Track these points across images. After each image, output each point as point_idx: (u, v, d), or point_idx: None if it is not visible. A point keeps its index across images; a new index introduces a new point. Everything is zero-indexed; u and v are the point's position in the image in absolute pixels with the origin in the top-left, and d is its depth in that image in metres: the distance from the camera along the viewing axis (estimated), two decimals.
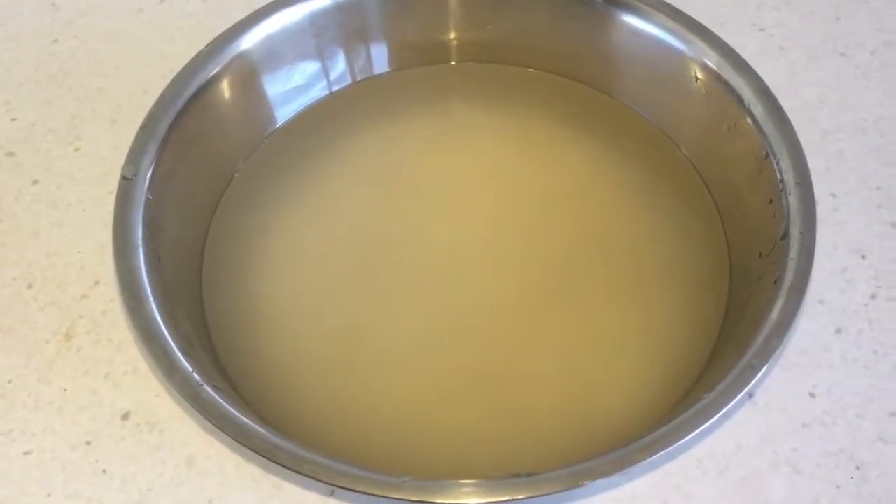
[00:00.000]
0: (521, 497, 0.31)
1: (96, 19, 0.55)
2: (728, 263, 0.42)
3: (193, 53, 0.44)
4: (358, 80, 0.49)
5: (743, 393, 0.33)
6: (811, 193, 0.39)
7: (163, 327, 0.36)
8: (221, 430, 0.33)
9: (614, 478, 0.32)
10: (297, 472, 0.32)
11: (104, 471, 0.39)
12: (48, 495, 0.39)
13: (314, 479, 0.32)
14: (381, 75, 0.50)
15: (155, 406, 0.41)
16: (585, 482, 0.31)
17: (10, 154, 0.50)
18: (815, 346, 0.42)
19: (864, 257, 0.45)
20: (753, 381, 0.33)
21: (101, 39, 0.55)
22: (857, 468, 0.39)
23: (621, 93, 0.48)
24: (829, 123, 0.50)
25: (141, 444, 0.40)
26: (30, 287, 0.45)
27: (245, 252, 0.44)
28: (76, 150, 0.50)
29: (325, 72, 0.48)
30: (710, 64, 0.44)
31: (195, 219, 0.43)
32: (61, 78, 0.53)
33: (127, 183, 0.39)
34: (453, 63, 0.50)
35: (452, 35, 0.49)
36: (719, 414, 0.33)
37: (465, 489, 0.32)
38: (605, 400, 0.39)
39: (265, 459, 0.33)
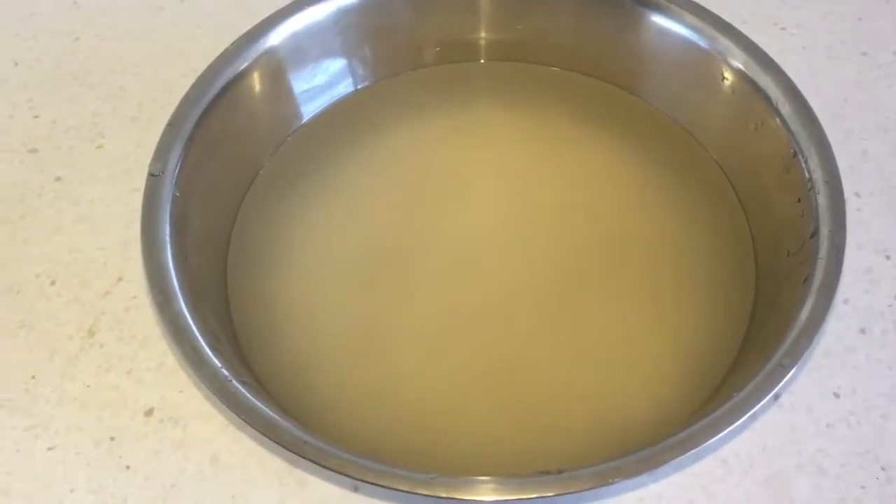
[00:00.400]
0: (549, 494, 0.31)
1: (118, 18, 0.56)
2: (754, 262, 0.42)
3: (214, 52, 0.44)
4: (383, 77, 0.49)
5: (772, 394, 0.33)
6: (840, 192, 0.38)
7: (191, 323, 0.36)
8: (250, 425, 0.33)
9: (641, 477, 0.32)
10: (324, 466, 0.32)
11: (128, 467, 0.39)
12: (71, 491, 0.39)
13: (341, 473, 0.32)
14: (406, 73, 0.50)
15: (179, 402, 0.41)
16: (615, 480, 0.31)
17: (33, 151, 0.50)
18: (840, 346, 0.42)
19: (888, 257, 0.45)
20: (783, 382, 0.33)
21: (122, 38, 0.55)
22: (883, 469, 0.39)
23: (648, 92, 0.48)
24: (852, 123, 0.50)
25: (164, 439, 0.40)
26: (53, 283, 0.45)
27: (269, 248, 0.44)
28: (98, 147, 0.50)
29: (351, 69, 0.49)
30: (737, 63, 0.43)
31: (221, 215, 0.43)
32: (82, 76, 0.53)
33: (154, 180, 0.39)
34: (481, 62, 0.50)
35: (481, 34, 0.49)
36: (748, 414, 0.33)
37: (493, 486, 0.31)
38: (629, 398, 0.39)
39: (291, 454, 0.33)
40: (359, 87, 0.49)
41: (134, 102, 0.52)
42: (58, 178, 0.49)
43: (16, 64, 0.54)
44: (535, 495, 0.31)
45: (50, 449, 0.40)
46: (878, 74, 0.52)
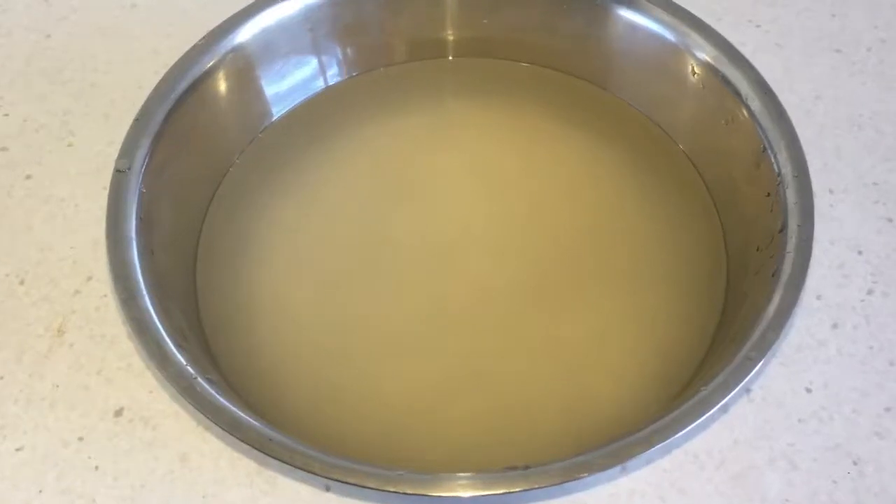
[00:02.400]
0: (517, 490, 0.31)
1: (89, 15, 0.55)
2: (725, 257, 0.42)
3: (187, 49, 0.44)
4: (354, 74, 0.49)
5: (740, 387, 0.33)
6: (809, 186, 0.38)
7: (156, 320, 0.35)
8: (215, 423, 0.33)
9: (609, 472, 0.32)
10: (290, 464, 0.32)
11: (97, 467, 0.39)
12: (40, 492, 0.39)
13: (308, 471, 0.32)
14: (376, 70, 0.50)
15: (148, 402, 0.40)
16: (582, 475, 0.31)
17: (3, 149, 0.49)
18: (812, 341, 0.42)
19: (860, 253, 0.45)
20: (751, 375, 0.33)
21: (93, 35, 0.54)
22: (854, 463, 0.39)
23: (618, 87, 0.48)
24: (826, 119, 0.50)
25: (134, 439, 0.40)
26: (22, 283, 0.44)
27: (239, 245, 0.43)
28: (69, 145, 0.49)
29: (321, 66, 0.48)
30: (707, 58, 0.44)
31: (190, 212, 0.43)
32: (54, 73, 0.53)
33: (120, 176, 0.39)
34: (450, 58, 0.50)
35: (449, 30, 0.49)
36: (716, 407, 0.33)
37: (461, 482, 0.31)
38: (602, 393, 0.39)
39: (260, 454, 0.32)
40: (329, 84, 0.49)
41: (106, 100, 0.51)
42: (28, 177, 0.48)
43: None
44: (501, 491, 0.31)
45: (18, 450, 0.40)
46: (853, 71, 0.52)
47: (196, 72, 0.43)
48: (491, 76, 0.50)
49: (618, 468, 0.31)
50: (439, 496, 0.31)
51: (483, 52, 0.50)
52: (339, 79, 0.49)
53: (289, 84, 0.48)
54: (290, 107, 0.48)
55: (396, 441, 0.38)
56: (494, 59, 0.50)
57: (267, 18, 0.45)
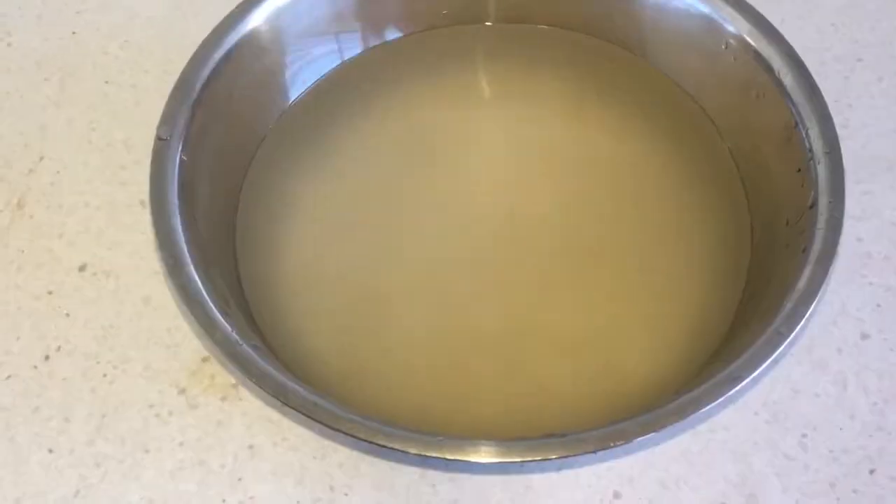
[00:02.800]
0: (553, 457, 0.32)
1: None
2: (750, 229, 0.43)
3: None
4: (396, 38, 0.49)
5: (770, 360, 0.34)
6: (840, 163, 0.39)
7: (202, 288, 0.36)
8: (262, 389, 0.34)
9: (643, 439, 0.33)
10: (335, 429, 0.33)
11: (67, 314, 0.44)
12: (18, 338, 0.43)
13: (352, 436, 0.32)
14: (413, 34, 0.49)
15: (109, 257, 0.45)
16: (619, 443, 0.32)
17: None
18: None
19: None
20: (780, 349, 0.34)
21: None
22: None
23: (653, 55, 0.48)
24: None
25: (99, 289, 0.44)
26: None
27: (276, 214, 0.44)
28: (7, 45, 0.52)
29: (359, 32, 0.48)
30: (739, 31, 0.44)
31: (228, 181, 0.44)
32: None
33: (161, 144, 0.39)
34: (488, 24, 0.50)
35: None
36: (748, 379, 0.34)
37: (499, 448, 0.32)
38: (629, 362, 0.40)
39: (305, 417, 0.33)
40: (367, 47, 0.49)
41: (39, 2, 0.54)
42: None
43: None
44: (539, 457, 0.32)
45: None
46: None
47: (232, 39, 0.43)
48: (524, 41, 0.49)
49: (651, 436, 0.32)
50: (478, 461, 0.32)
51: (517, 17, 0.49)
52: (378, 42, 0.49)
53: (325, 50, 0.48)
54: (325, 73, 0.48)
55: (428, 407, 0.39)
56: (528, 24, 0.49)
57: None
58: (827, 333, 0.43)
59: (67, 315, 0.44)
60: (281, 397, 0.33)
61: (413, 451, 0.32)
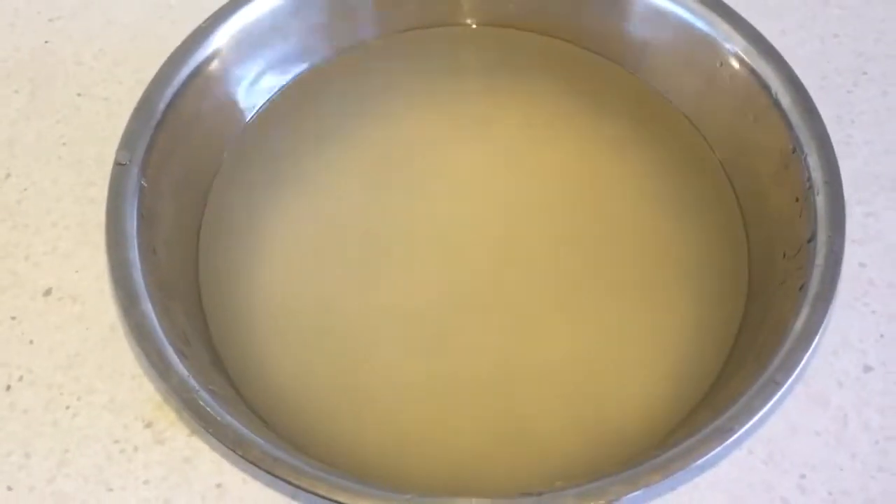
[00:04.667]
0: None
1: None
2: (747, 260, 0.41)
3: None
4: (360, 43, 0.47)
5: (764, 411, 0.32)
6: (840, 194, 0.37)
7: (157, 327, 0.34)
8: (218, 440, 0.32)
9: (626, 499, 0.31)
10: (295, 485, 0.31)
11: (31, 341, 0.42)
12: None
13: (314, 493, 0.31)
14: (388, 36, 0.47)
15: (75, 281, 0.43)
16: (597, 503, 0.30)
17: None
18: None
19: None
20: (775, 399, 0.32)
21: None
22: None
23: (644, 71, 0.46)
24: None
25: (64, 315, 0.42)
26: None
27: (241, 239, 0.42)
28: None
29: (326, 35, 0.46)
30: (736, 49, 0.42)
31: (191, 204, 0.42)
32: None
33: (120, 169, 0.37)
34: (473, 26, 0.47)
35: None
36: (738, 433, 0.32)
37: None
38: (615, 405, 0.38)
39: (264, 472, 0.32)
40: (336, 55, 0.47)
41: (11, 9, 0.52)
42: None
43: None
44: None
45: None
46: None
47: (198, 57, 0.41)
48: (511, 49, 0.47)
49: (636, 494, 0.30)
50: None
51: (503, 21, 0.47)
52: (349, 53, 0.47)
53: (293, 64, 0.46)
54: (288, 83, 0.46)
55: (405, 454, 0.37)
56: (516, 29, 0.47)
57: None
58: (827, 365, 0.41)
59: (31, 342, 0.42)
60: (238, 450, 0.31)
61: None
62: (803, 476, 0.39)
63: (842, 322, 0.42)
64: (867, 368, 0.41)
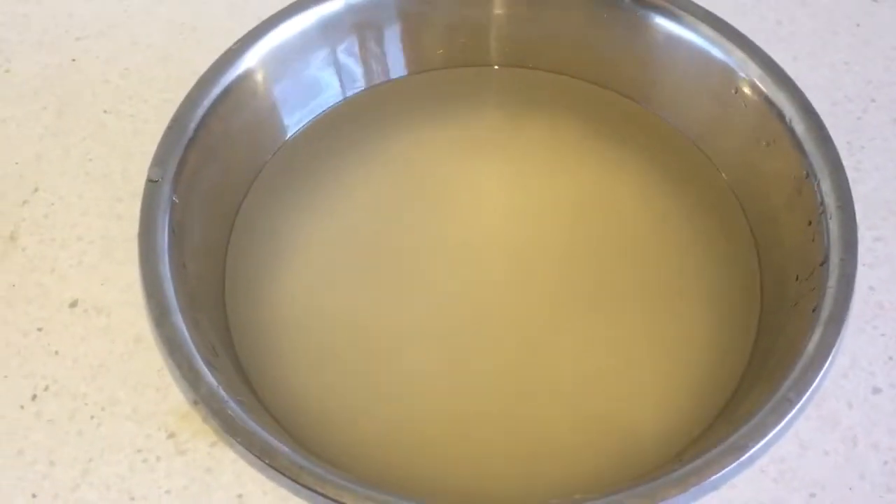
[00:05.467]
0: None
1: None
2: (760, 283, 0.41)
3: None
4: (393, 78, 0.48)
5: (779, 427, 0.33)
6: (853, 219, 0.38)
7: (188, 338, 0.35)
8: (246, 448, 0.32)
9: None
10: (322, 494, 0.31)
11: (56, 352, 0.42)
12: (5, 377, 0.42)
13: (339, 502, 0.31)
14: (417, 74, 0.49)
15: (101, 293, 0.44)
16: None
17: None
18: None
19: None
20: (790, 416, 0.33)
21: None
22: None
23: (659, 104, 0.47)
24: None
25: (89, 327, 0.43)
26: None
27: (268, 256, 0.43)
28: (6, 71, 0.52)
29: (358, 68, 0.47)
30: (750, 76, 0.43)
31: (219, 222, 0.43)
32: None
33: (152, 186, 0.38)
34: (496, 67, 0.49)
35: (488, 37, 0.48)
36: (754, 448, 0.32)
37: None
38: (630, 420, 0.39)
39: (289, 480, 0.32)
40: (366, 87, 0.48)
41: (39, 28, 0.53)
42: None
43: None
44: None
45: None
46: None
47: (229, 77, 0.42)
48: (525, 87, 0.48)
49: None
50: None
51: (519, 61, 0.49)
52: (379, 80, 0.48)
53: (324, 88, 0.47)
54: (319, 114, 0.47)
55: (421, 467, 0.38)
56: (530, 69, 0.49)
57: (308, 18, 0.44)
58: (837, 387, 0.42)
59: (56, 353, 0.42)
60: (266, 458, 0.32)
61: None
62: (813, 495, 0.39)
63: (852, 344, 0.42)
64: (876, 390, 0.42)
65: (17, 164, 0.48)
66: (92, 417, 0.41)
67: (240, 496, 0.39)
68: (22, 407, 0.41)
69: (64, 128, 0.50)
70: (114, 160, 0.49)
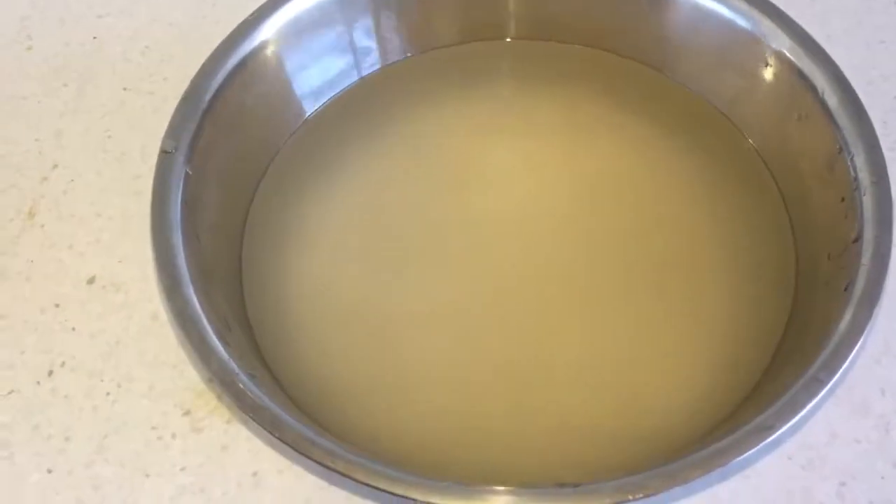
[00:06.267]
0: None
1: None
2: (795, 263, 0.40)
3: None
4: (409, 55, 0.48)
5: (807, 409, 0.32)
6: (888, 194, 0.36)
7: (199, 311, 0.34)
8: (256, 422, 0.32)
9: (663, 495, 0.30)
10: (331, 469, 0.31)
11: (73, 329, 0.42)
12: (22, 353, 0.42)
13: (350, 478, 0.31)
14: (430, 52, 0.48)
15: (119, 270, 0.44)
16: (637, 497, 0.30)
17: None
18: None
19: None
20: (818, 397, 0.32)
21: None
22: None
23: (685, 75, 0.45)
24: None
25: (107, 303, 0.43)
26: None
27: (286, 231, 0.42)
28: (28, 49, 0.52)
29: (375, 46, 0.47)
30: (781, 47, 0.41)
31: (236, 196, 0.42)
32: None
33: (166, 157, 0.38)
34: (507, 40, 0.48)
35: (508, 9, 0.47)
36: (782, 430, 0.31)
37: (511, 497, 0.30)
38: (657, 400, 0.38)
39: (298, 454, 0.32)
40: (383, 65, 0.47)
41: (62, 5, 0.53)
42: None
43: None
44: None
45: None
46: None
47: (245, 48, 0.41)
48: (548, 60, 0.47)
49: (676, 490, 0.30)
50: None
51: (541, 34, 0.47)
52: (396, 58, 0.47)
53: (342, 65, 0.46)
54: (340, 90, 0.46)
55: (437, 444, 0.37)
56: (553, 42, 0.47)
57: None
58: (870, 373, 0.40)
59: (73, 329, 0.42)
60: (276, 432, 0.31)
61: (414, 496, 0.30)
62: (843, 484, 0.38)
63: (886, 330, 0.41)
64: None
65: (37, 140, 0.48)
66: (108, 394, 0.41)
67: (255, 474, 0.39)
68: (38, 383, 0.41)
69: (84, 105, 0.50)
70: (133, 137, 0.48)
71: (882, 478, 0.38)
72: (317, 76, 0.45)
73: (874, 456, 0.38)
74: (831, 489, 0.38)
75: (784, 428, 0.31)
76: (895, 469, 0.38)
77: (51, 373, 0.41)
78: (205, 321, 0.34)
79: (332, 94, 0.46)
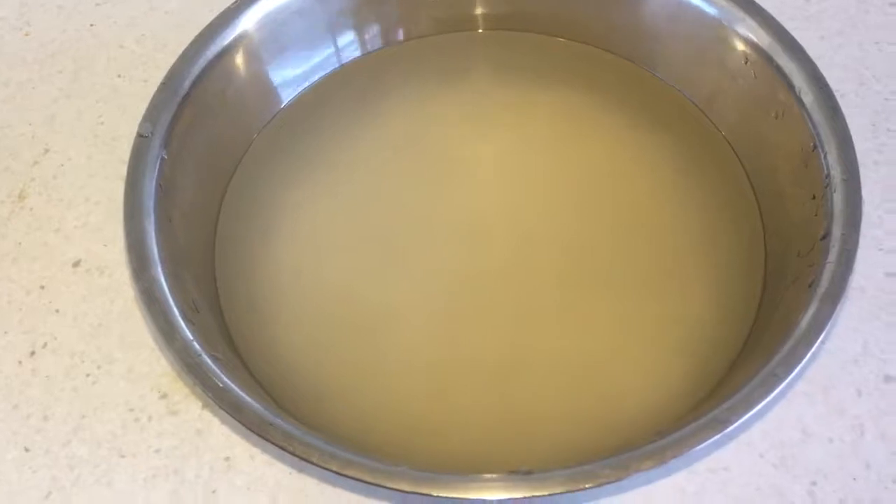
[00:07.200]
0: (518, 496, 0.30)
1: None
2: (763, 258, 0.40)
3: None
4: (393, 43, 0.48)
5: (763, 404, 0.31)
6: (858, 191, 0.36)
7: (166, 292, 0.35)
8: (216, 403, 0.32)
9: (617, 484, 0.30)
10: (289, 451, 0.31)
11: (57, 310, 0.43)
12: (5, 332, 0.42)
13: (307, 461, 0.31)
14: (406, 42, 0.48)
15: (103, 254, 0.44)
16: (586, 486, 0.30)
17: None
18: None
19: None
20: (775, 393, 0.31)
21: None
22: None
23: (662, 68, 0.45)
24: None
25: (91, 286, 0.43)
26: None
27: (260, 218, 0.43)
28: (25, 35, 0.53)
29: (357, 35, 0.47)
30: (761, 45, 0.41)
31: (212, 182, 0.42)
32: None
33: (142, 141, 0.38)
34: (481, 31, 0.48)
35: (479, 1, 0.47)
36: (735, 424, 0.31)
37: (460, 483, 0.30)
38: (626, 395, 0.38)
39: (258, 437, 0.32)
40: (357, 55, 0.47)
41: None
42: None
43: None
44: (503, 496, 0.30)
45: None
46: None
47: (227, 36, 0.42)
48: (522, 51, 0.47)
49: (626, 480, 0.30)
50: (439, 496, 0.30)
51: (515, 25, 0.47)
52: (376, 47, 0.47)
53: (317, 56, 0.46)
54: (316, 80, 0.46)
55: (405, 433, 0.37)
56: (527, 32, 0.47)
57: None
58: (847, 374, 0.40)
59: (57, 311, 0.43)
60: (235, 414, 0.32)
61: (367, 479, 0.30)
62: (814, 483, 0.38)
63: (864, 330, 0.41)
64: (888, 379, 0.40)
65: (30, 125, 0.49)
66: (87, 375, 0.41)
67: (227, 458, 0.39)
68: (20, 362, 0.42)
69: (78, 91, 0.50)
70: (124, 124, 0.49)
71: (854, 478, 0.38)
72: (296, 65, 0.46)
73: (847, 456, 0.38)
74: (802, 488, 0.37)
75: (739, 421, 0.31)
76: (867, 470, 0.38)
77: (33, 353, 0.42)
78: (171, 301, 0.34)
79: (310, 82, 0.46)
